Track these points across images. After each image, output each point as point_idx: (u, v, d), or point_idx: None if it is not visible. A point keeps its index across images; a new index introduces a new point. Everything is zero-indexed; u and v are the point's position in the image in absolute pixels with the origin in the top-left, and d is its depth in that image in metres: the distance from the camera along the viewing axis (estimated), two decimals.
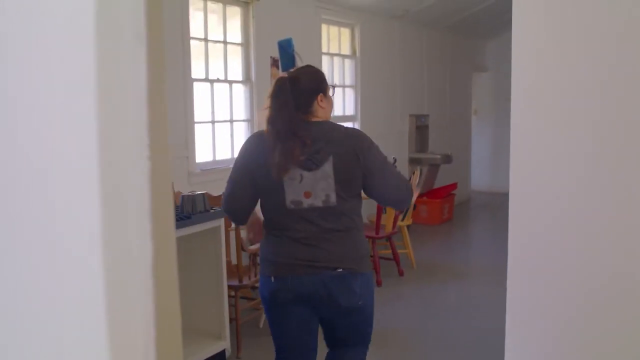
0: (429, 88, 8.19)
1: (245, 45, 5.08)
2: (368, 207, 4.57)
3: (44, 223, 0.55)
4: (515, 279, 1.64)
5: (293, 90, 2.09)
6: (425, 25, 7.89)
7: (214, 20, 4.80)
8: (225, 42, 4.89)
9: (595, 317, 1.56)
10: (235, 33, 5.02)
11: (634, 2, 1.43)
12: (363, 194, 2.21)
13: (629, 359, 1.53)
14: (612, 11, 1.46)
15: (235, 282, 3.57)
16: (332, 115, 2.30)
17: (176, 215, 3.00)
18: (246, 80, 5.09)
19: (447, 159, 7.58)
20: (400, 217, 5.46)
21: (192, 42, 4.49)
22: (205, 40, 4.67)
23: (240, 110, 5.10)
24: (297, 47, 5.84)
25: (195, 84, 4.53)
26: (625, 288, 1.52)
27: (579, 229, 1.54)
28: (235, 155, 5.50)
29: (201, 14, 4.61)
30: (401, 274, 5.28)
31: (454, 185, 8.22)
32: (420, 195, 7.53)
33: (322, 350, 2.37)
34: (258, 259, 3.67)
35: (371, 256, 4.37)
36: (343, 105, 6.51)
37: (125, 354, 0.56)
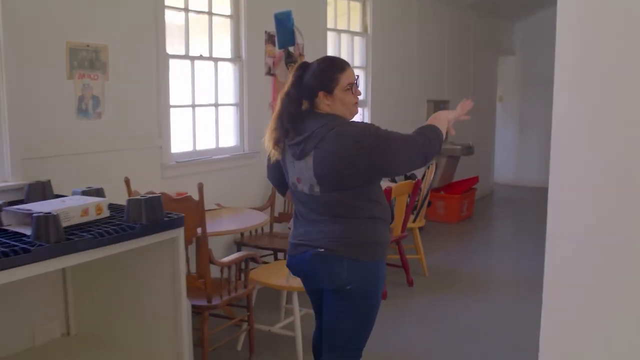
0: (450, 72, 7.51)
1: (235, 17, 4.40)
2: None
3: None
4: (552, 293, 1.45)
5: (301, 78, 2.15)
6: (447, 3, 7.22)
7: None
8: (210, 14, 4.22)
9: None
10: (223, 3, 4.34)
11: None
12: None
13: None
14: None
15: (204, 302, 2.94)
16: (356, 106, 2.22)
17: (117, 225, 2.36)
18: (236, 58, 4.41)
19: (468, 150, 6.87)
20: (411, 218, 4.76)
21: (169, 12, 3.84)
22: (186, 10, 4.01)
23: (228, 93, 4.43)
24: (298, 22, 5.10)
25: (172, 61, 3.87)
26: None
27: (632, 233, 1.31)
28: (222, 144, 4.85)
29: None
30: (410, 283, 4.59)
31: (475, 179, 7.51)
32: (436, 190, 6.84)
33: None
34: (231, 273, 3.04)
35: None
36: None
37: None
